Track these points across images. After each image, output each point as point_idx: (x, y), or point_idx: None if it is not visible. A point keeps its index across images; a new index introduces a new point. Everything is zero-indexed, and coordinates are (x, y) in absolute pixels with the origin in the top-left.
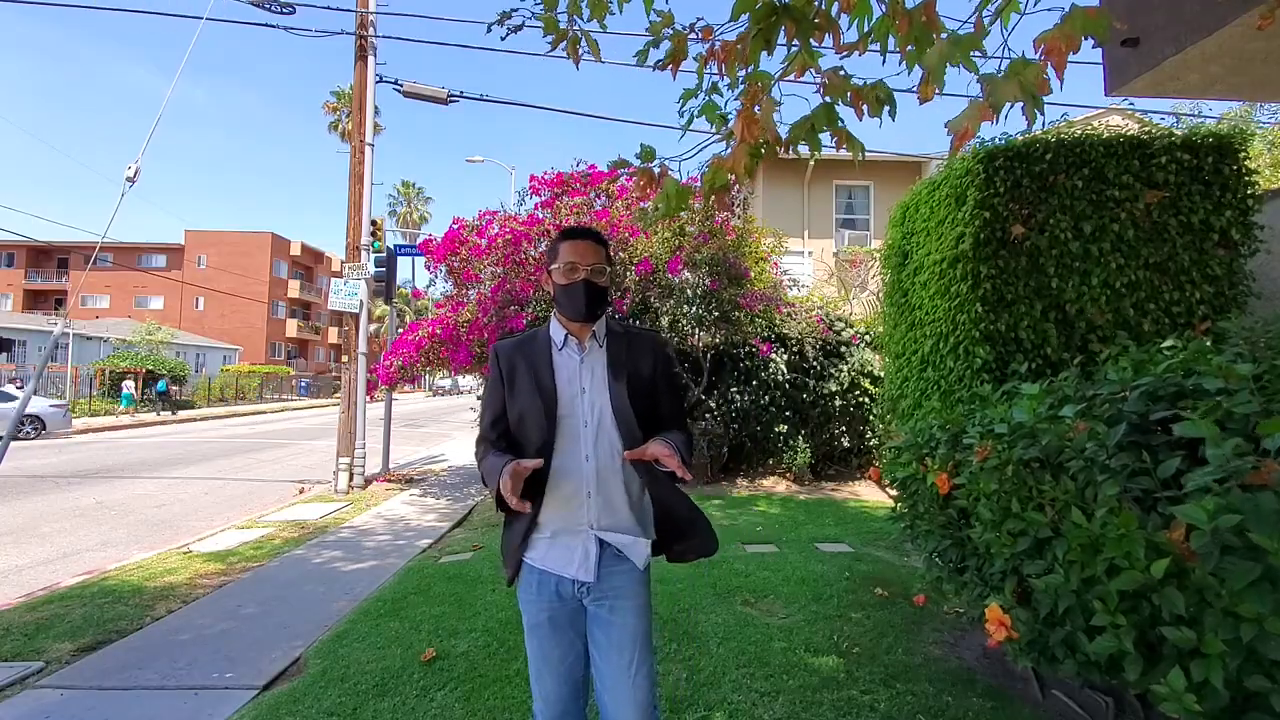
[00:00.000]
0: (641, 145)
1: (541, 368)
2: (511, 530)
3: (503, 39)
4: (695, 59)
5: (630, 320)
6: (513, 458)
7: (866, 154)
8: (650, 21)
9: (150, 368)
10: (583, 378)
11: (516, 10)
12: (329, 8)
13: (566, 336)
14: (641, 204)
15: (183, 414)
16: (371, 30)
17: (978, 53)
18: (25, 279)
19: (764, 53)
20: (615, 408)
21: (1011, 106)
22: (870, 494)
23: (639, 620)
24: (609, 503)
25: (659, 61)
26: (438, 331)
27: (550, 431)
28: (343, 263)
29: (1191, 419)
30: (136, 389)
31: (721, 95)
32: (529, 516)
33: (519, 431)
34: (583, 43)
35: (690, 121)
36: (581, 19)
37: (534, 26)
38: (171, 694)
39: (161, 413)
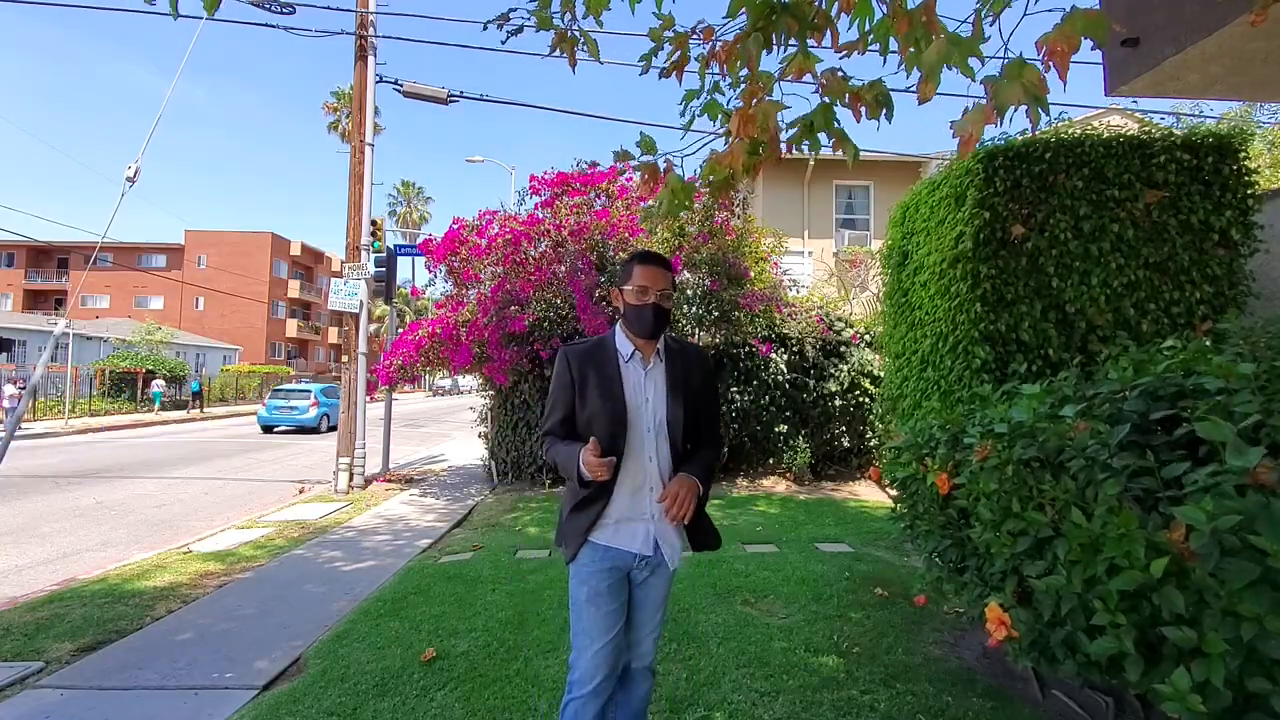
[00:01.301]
0: (642, 134)
1: (613, 377)
2: (575, 520)
3: (503, 42)
4: (697, 59)
5: None
6: (581, 445)
7: (862, 155)
8: (651, 28)
9: (150, 368)
10: (647, 389)
11: (515, 10)
12: (329, 8)
13: (634, 351)
14: (643, 203)
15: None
16: (371, 30)
17: (975, 58)
18: (25, 279)
19: (764, 51)
20: (670, 420)
21: (1015, 109)
22: (870, 494)
23: (668, 586)
24: None
25: (663, 69)
26: (437, 331)
27: (621, 435)
28: (343, 263)
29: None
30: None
31: (724, 94)
32: (599, 507)
33: (587, 431)
34: (581, 43)
35: (692, 121)
36: (576, 15)
37: (534, 26)
38: (171, 694)
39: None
